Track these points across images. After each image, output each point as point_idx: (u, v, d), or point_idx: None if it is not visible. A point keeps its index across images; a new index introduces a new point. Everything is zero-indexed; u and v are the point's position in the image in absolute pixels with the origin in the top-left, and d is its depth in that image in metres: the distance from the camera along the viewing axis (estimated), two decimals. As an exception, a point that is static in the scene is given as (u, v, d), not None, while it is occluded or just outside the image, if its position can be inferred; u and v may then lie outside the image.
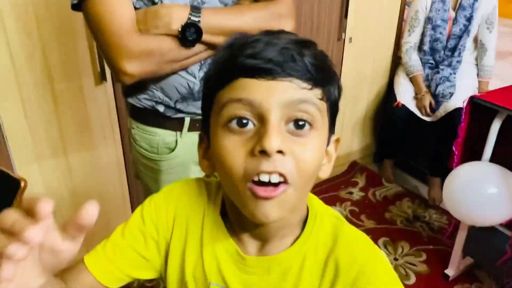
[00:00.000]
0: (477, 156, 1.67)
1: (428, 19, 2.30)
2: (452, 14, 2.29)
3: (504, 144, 1.66)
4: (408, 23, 2.40)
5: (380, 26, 2.43)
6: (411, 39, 2.38)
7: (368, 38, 2.41)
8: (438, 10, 2.27)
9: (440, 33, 2.29)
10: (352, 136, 2.66)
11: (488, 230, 1.66)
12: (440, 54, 2.33)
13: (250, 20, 0.94)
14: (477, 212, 1.57)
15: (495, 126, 1.58)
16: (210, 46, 0.95)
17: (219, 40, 0.93)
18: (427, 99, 2.32)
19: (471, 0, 2.25)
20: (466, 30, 2.27)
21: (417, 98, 2.38)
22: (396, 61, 2.61)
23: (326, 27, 2.20)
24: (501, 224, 1.66)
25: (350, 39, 2.31)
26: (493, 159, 1.63)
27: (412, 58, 2.37)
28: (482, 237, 1.72)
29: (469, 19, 2.26)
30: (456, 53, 2.29)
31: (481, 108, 1.62)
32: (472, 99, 1.63)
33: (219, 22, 0.93)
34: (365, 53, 2.44)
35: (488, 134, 1.61)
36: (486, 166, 1.60)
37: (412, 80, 2.39)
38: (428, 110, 2.33)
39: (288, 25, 0.99)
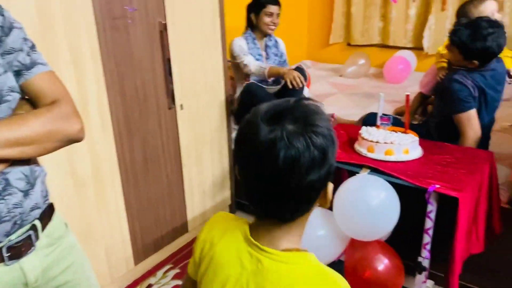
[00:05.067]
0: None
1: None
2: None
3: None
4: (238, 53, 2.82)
5: (207, 86, 2.46)
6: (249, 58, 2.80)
7: (200, 101, 2.42)
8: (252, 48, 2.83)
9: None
10: (204, 196, 2.62)
11: None
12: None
13: (36, 126, 0.89)
14: None
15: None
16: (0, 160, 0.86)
17: (8, 152, 0.85)
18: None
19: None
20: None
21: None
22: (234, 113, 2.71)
23: (154, 98, 2.15)
24: None
25: (181, 106, 2.29)
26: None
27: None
28: None
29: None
30: None
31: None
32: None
33: (2, 135, 0.84)
34: (199, 116, 2.44)
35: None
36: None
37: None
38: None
39: (77, 124, 0.96)
